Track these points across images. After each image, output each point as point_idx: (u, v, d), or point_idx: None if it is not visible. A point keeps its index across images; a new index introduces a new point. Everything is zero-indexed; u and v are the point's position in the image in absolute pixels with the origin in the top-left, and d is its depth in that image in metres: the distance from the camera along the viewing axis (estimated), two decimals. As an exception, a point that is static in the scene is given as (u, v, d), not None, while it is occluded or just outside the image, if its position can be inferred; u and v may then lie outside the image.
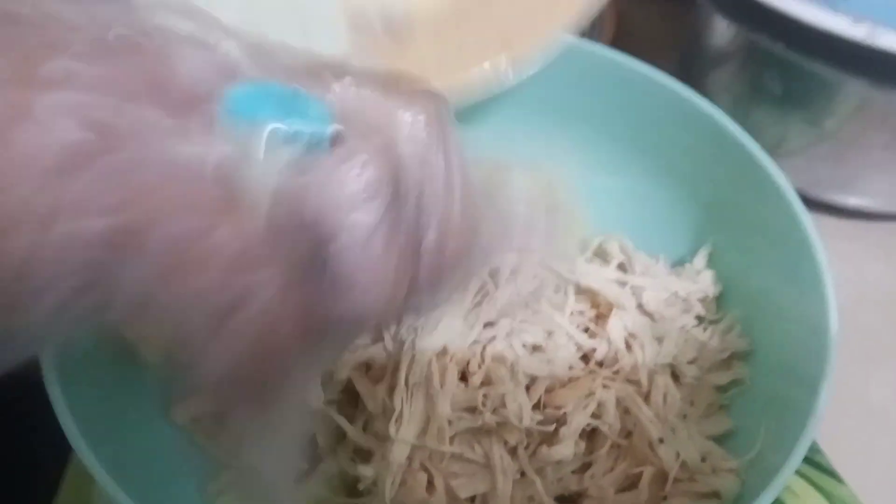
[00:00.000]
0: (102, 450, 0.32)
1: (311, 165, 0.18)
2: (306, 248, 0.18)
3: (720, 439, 0.39)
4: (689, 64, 0.58)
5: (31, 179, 0.16)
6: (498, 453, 0.34)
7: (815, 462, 0.45)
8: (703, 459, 0.36)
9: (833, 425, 0.42)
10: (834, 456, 0.46)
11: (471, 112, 0.47)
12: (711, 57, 0.58)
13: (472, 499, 0.35)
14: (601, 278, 0.40)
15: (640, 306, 0.42)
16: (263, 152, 0.18)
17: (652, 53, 0.46)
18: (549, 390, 0.37)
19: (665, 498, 0.36)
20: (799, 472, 0.44)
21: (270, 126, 0.18)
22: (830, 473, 0.45)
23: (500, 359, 0.37)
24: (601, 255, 0.45)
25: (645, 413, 0.36)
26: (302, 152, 0.18)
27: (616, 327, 0.39)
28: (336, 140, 0.19)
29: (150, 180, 0.17)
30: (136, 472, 0.35)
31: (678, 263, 0.47)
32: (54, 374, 0.33)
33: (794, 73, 0.52)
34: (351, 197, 0.18)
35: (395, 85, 0.21)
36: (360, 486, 0.35)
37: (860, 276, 0.54)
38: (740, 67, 0.56)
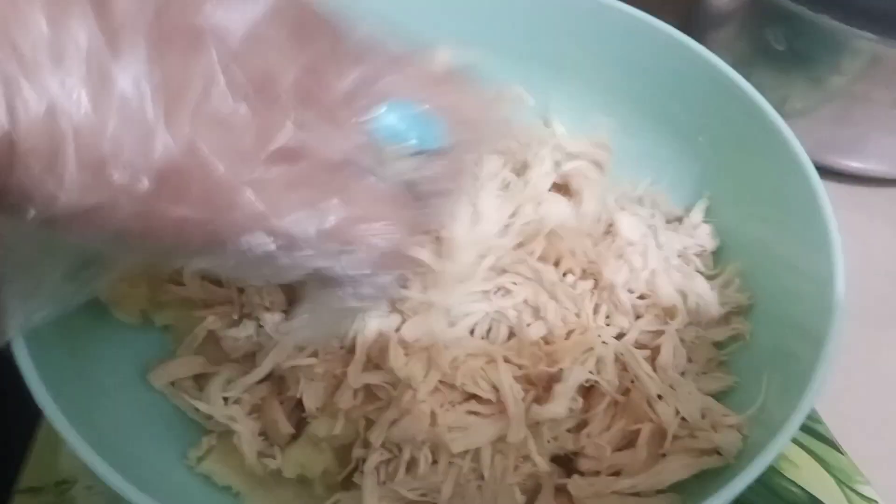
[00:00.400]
0: (75, 416, 0.31)
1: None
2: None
3: (720, 396, 0.37)
4: (689, 22, 0.56)
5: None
6: (507, 382, 0.34)
7: (814, 431, 0.43)
8: (703, 416, 0.35)
9: (834, 395, 0.40)
10: (834, 426, 0.44)
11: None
12: (713, 14, 0.56)
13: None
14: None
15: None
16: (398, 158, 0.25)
17: (651, 12, 0.45)
18: (547, 342, 0.35)
19: (664, 455, 0.34)
20: (798, 442, 0.43)
21: (407, 143, 0.25)
22: (830, 443, 0.43)
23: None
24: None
25: (644, 369, 0.35)
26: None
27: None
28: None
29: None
30: (113, 440, 0.33)
31: (674, 218, 0.45)
32: (22, 339, 0.31)
33: (799, 28, 0.50)
34: None
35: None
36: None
37: (866, 244, 0.53)
38: (742, 24, 0.55)
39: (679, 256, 0.40)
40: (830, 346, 0.32)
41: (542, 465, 0.33)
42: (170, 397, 0.39)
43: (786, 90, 0.54)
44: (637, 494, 0.34)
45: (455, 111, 0.26)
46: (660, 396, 0.34)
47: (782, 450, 0.30)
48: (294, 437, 0.37)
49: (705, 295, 0.39)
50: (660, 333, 0.37)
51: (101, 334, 0.38)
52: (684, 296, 0.38)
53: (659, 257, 0.39)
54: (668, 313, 0.38)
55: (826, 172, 0.49)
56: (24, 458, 0.40)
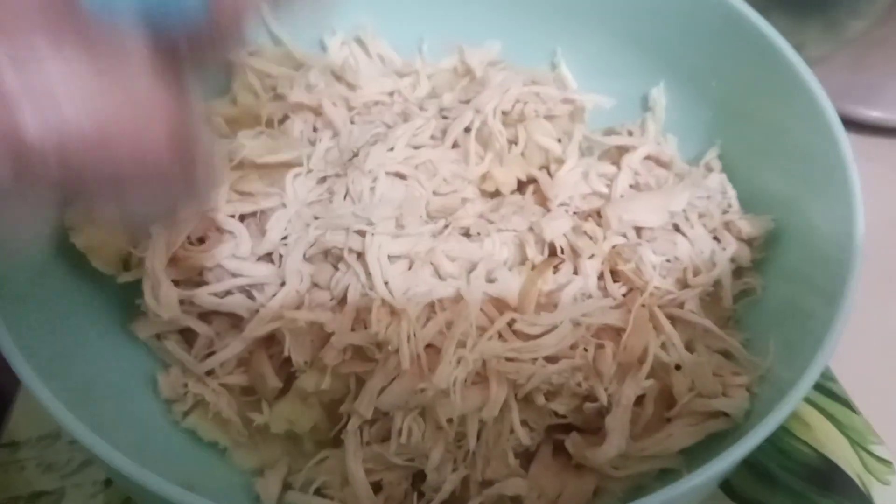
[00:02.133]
0: (49, 373, 0.29)
1: None
2: None
3: (729, 353, 0.36)
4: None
5: None
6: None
7: (827, 390, 0.42)
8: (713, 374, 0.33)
9: (848, 352, 0.38)
10: (848, 384, 0.42)
11: (471, 14, 0.44)
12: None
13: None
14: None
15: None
16: None
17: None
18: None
19: (668, 420, 0.33)
20: (810, 401, 0.41)
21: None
22: (844, 402, 0.41)
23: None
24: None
25: (672, 338, 0.33)
26: None
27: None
28: None
29: None
30: (90, 396, 0.32)
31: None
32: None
33: (817, -33, 0.47)
34: None
35: None
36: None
37: (882, 196, 0.50)
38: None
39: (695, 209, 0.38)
40: (846, 303, 0.30)
41: (524, 438, 0.32)
42: (154, 350, 0.37)
43: (802, 36, 0.51)
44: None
45: None
46: (678, 367, 0.33)
47: (793, 410, 0.28)
48: (283, 393, 0.35)
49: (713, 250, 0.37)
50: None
51: (78, 285, 0.36)
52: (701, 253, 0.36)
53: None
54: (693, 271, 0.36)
55: (843, 122, 0.47)
56: (5, 413, 0.39)
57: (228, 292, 0.35)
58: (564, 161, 0.38)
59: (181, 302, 0.35)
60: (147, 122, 0.18)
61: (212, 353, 0.36)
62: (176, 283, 0.35)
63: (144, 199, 0.19)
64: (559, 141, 0.40)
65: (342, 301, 0.35)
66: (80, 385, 0.32)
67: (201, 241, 0.35)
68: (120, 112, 0.17)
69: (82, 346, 0.35)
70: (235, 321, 0.36)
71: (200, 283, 0.35)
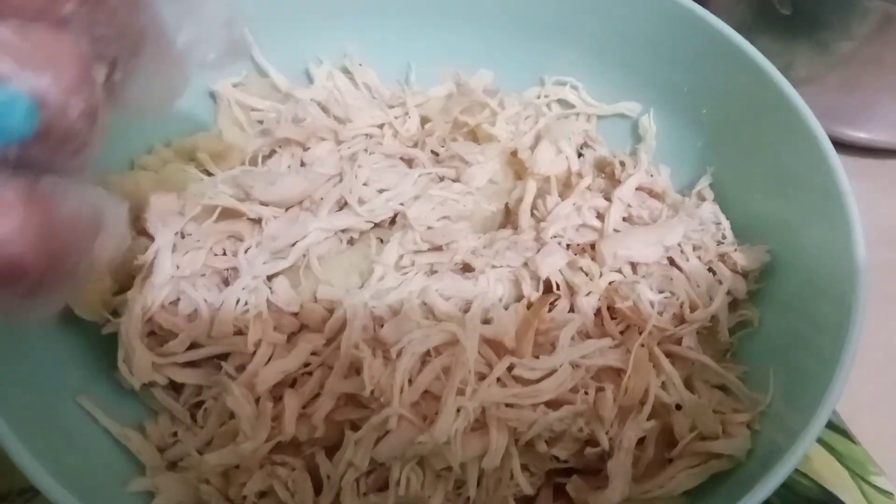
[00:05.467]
0: (23, 427, 0.29)
1: None
2: None
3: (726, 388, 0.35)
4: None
5: None
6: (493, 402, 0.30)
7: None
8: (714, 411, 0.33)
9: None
10: (847, 414, 0.42)
11: (461, 32, 0.44)
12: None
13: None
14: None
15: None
16: None
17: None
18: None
19: (670, 460, 0.32)
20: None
21: None
22: (843, 433, 0.41)
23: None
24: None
25: (672, 378, 0.32)
26: None
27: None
28: None
29: None
30: (62, 451, 0.31)
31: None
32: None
33: (805, -10, 0.47)
34: None
35: None
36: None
37: (872, 215, 0.50)
38: (745, -14, 0.52)
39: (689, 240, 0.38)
40: (853, 341, 0.30)
41: (526, 487, 0.31)
42: (142, 398, 0.36)
43: (790, 56, 0.51)
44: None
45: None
46: (678, 406, 0.32)
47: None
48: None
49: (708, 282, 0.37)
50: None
51: (61, 333, 0.35)
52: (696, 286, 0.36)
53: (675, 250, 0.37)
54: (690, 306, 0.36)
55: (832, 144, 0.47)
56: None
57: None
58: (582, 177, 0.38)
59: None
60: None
61: (201, 403, 0.35)
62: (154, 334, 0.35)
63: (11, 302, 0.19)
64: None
65: (334, 342, 0.34)
66: (58, 437, 0.32)
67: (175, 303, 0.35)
68: None
69: (63, 397, 0.34)
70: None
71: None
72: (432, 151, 0.41)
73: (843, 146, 0.52)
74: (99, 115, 0.19)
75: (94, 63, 0.19)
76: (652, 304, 0.34)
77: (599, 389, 0.32)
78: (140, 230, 0.37)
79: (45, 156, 0.18)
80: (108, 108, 0.19)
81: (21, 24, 0.17)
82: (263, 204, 0.37)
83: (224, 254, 0.36)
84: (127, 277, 0.36)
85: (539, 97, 0.45)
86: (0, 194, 0.17)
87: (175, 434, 0.35)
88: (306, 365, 0.34)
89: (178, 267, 0.35)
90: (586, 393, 0.31)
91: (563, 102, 0.45)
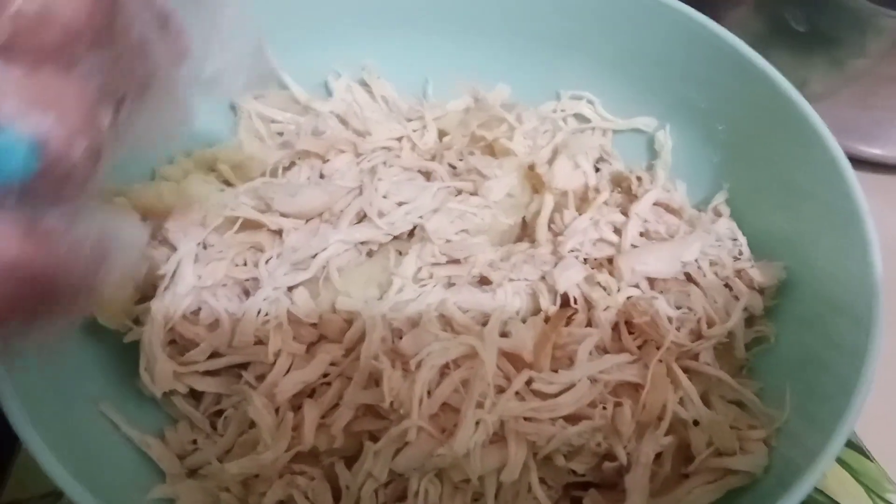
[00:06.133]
0: (50, 433, 0.29)
1: None
2: None
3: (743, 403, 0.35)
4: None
5: None
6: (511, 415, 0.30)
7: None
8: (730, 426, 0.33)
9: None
10: (862, 430, 0.42)
11: (478, 46, 0.44)
12: (728, -9, 0.53)
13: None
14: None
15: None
16: None
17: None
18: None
19: (687, 476, 0.32)
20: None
21: None
22: (858, 449, 0.41)
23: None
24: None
25: (690, 392, 0.33)
26: None
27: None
28: None
29: None
30: (88, 456, 0.31)
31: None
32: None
33: (821, 7, 0.47)
34: None
35: None
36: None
37: (884, 231, 0.50)
38: (759, 2, 0.52)
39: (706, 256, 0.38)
40: (871, 362, 0.30)
41: (544, 501, 0.31)
42: (162, 405, 0.36)
43: (804, 72, 0.51)
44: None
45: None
46: (696, 422, 0.32)
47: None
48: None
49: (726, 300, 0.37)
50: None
51: (83, 341, 0.35)
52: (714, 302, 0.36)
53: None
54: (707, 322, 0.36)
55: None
56: (7, 470, 0.38)
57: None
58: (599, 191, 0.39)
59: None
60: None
61: (220, 411, 0.35)
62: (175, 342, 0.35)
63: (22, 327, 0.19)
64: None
65: (353, 353, 0.35)
66: (81, 443, 0.32)
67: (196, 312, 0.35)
68: None
69: (85, 404, 0.34)
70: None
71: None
72: (450, 165, 0.42)
73: (856, 162, 0.52)
74: (102, 155, 0.19)
75: (101, 104, 0.19)
76: (670, 320, 0.34)
77: (617, 404, 0.32)
78: (162, 240, 0.37)
79: (47, 191, 0.18)
80: (111, 146, 0.20)
81: (31, 64, 0.17)
82: (284, 215, 0.37)
83: (245, 264, 0.37)
84: (149, 286, 0.36)
85: (555, 111, 0.45)
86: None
87: (195, 442, 0.36)
88: (325, 375, 0.35)
89: (199, 277, 0.35)
90: (604, 408, 0.32)
91: (579, 117, 0.45)
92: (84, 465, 0.30)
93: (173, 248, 0.36)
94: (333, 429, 0.33)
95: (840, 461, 0.40)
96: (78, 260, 0.20)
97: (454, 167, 0.41)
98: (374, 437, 0.33)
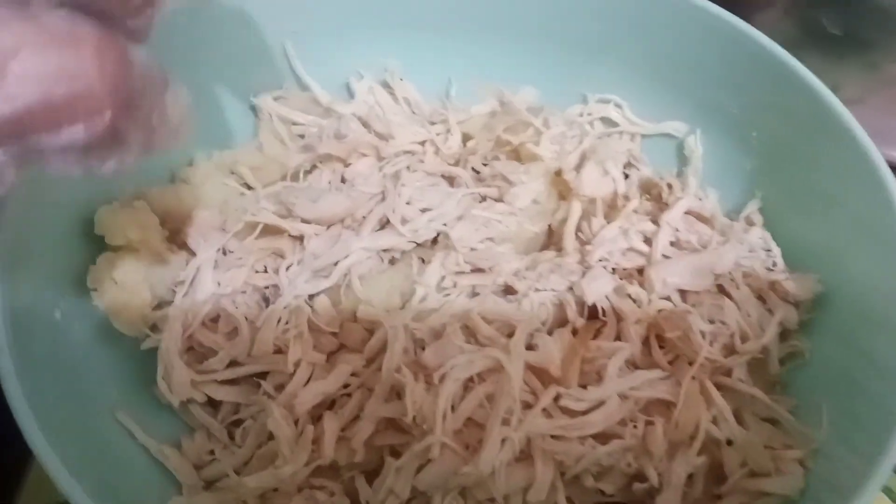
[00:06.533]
0: (67, 446, 0.28)
1: None
2: None
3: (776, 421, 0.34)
4: (732, 2, 0.52)
5: None
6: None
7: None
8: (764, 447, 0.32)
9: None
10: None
11: (502, 48, 0.43)
12: (760, -8, 0.52)
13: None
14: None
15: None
16: None
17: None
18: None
19: (719, 497, 0.31)
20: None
21: None
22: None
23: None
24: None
25: (724, 411, 0.32)
26: None
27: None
28: None
29: None
30: (100, 468, 0.31)
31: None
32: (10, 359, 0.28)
33: (857, 10, 0.46)
34: None
35: None
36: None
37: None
38: (792, 5, 0.51)
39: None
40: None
41: None
42: (179, 414, 0.36)
43: (837, 77, 0.49)
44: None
45: None
46: (729, 442, 0.31)
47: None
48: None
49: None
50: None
51: (98, 348, 0.34)
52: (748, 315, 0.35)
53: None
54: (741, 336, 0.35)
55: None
56: (22, 477, 0.37)
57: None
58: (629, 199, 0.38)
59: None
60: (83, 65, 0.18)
61: (238, 420, 0.35)
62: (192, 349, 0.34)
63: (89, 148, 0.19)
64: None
65: (374, 363, 0.34)
66: (95, 452, 0.31)
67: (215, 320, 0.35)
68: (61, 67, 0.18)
69: (100, 412, 0.33)
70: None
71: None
72: (473, 169, 0.41)
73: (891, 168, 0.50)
74: None
75: None
76: (703, 335, 0.33)
77: (649, 423, 0.31)
78: (181, 245, 0.36)
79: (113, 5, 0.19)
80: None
81: None
82: (305, 221, 0.36)
83: (265, 271, 0.36)
84: (167, 292, 0.36)
85: (581, 115, 0.44)
86: (78, 28, 0.18)
87: (212, 452, 0.35)
88: (345, 386, 0.34)
89: (219, 284, 0.34)
90: (635, 426, 0.31)
91: (606, 121, 0.44)
92: (97, 475, 0.30)
93: (192, 254, 0.36)
94: (354, 442, 0.32)
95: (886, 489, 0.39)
96: (147, 77, 0.20)
97: (477, 172, 0.40)
98: (396, 452, 0.32)
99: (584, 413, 0.31)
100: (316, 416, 0.33)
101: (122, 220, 0.34)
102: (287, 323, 0.34)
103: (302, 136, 0.42)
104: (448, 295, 0.35)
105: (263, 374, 0.35)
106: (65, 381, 0.32)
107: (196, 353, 0.35)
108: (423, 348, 0.33)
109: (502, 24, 0.44)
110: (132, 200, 0.36)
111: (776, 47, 0.39)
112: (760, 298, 0.37)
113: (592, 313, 0.35)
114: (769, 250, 0.38)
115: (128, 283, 0.34)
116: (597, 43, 0.43)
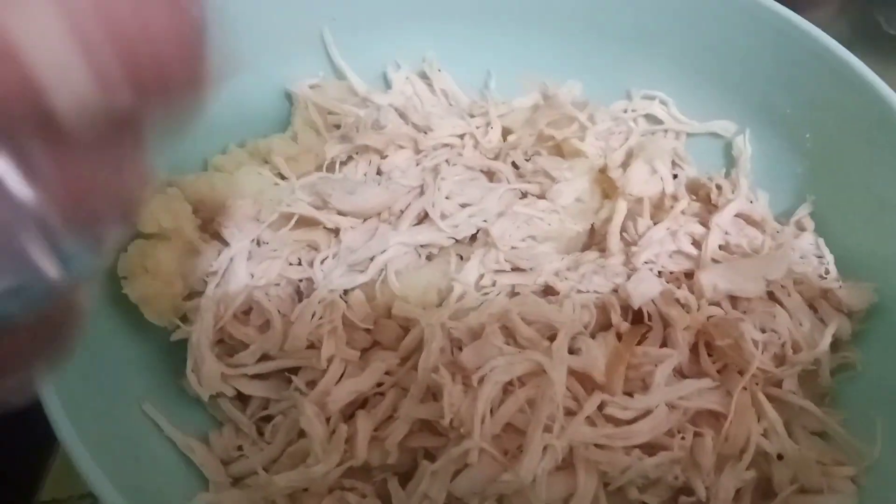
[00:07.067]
0: (90, 436, 0.28)
1: None
2: None
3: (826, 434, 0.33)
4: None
5: None
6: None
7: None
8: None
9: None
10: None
11: (543, 40, 0.42)
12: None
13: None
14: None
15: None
16: None
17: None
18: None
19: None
20: None
21: None
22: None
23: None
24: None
25: (775, 425, 0.30)
26: None
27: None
28: None
29: None
30: (127, 461, 0.30)
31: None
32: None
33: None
34: None
35: None
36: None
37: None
38: (849, 2, 0.49)
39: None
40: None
41: None
42: (207, 407, 0.35)
43: (892, 77, 0.48)
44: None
45: None
46: (780, 456, 0.30)
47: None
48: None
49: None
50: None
51: (128, 338, 0.34)
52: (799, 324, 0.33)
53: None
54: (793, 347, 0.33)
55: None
56: (46, 468, 0.37)
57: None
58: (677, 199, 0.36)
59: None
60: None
61: (267, 416, 0.34)
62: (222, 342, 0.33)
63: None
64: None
65: (409, 362, 0.33)
66: (121, 445, 0.30)
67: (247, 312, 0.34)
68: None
69: (128, 404, 0.33)
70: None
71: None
72: (513, 164, 0.39)
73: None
74: None
75: None
76: (755, 344, 0.31)
77: (697, 434, 0.29)
78: (213, 234, 0.35)
79: None
80: None
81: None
82: (341, 213, 0.35)
83: (299, 263, 0.35)
84: (198, 282, 0.35)
85: (625, 111, 0.42)
86: None
87: (240, 448, 0.34)
88: (379, 385, 0.33)
89: (252, 275, 0.33)
90: (683, 437, 0.29)
91: (651, 118, 0.43)
92: (123, 469, 0.29)
93: (225, 243, 0.35)
94: (387, 443, 0.31)
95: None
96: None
97: (517, 167, 0.39)
98: (430, 455, 0.31)
99: (630, 422, 0.29)
100: (347, 415, 0.32)
101: (155, 207, 0.33)
102: (321, 318, 0.33)
103: (337, 126, 0.41)
104: (487, 294, 0.34)
105: (294, 370, 0.34)
106: (93, 371, 0.32)
107: (226, 345, 0.34)
108: (461, 348, 0.32)
109: (544, 15, 0.42)
110: (165, 187, 0.35)
111: (834, 43, 0.37)
112: (812, 307, 0.35)
113: (637, 317, 0.33)
114: (821, 257, 0.36)
115: (159, 272, 0.33)
116: (642, 36, 0.41)
